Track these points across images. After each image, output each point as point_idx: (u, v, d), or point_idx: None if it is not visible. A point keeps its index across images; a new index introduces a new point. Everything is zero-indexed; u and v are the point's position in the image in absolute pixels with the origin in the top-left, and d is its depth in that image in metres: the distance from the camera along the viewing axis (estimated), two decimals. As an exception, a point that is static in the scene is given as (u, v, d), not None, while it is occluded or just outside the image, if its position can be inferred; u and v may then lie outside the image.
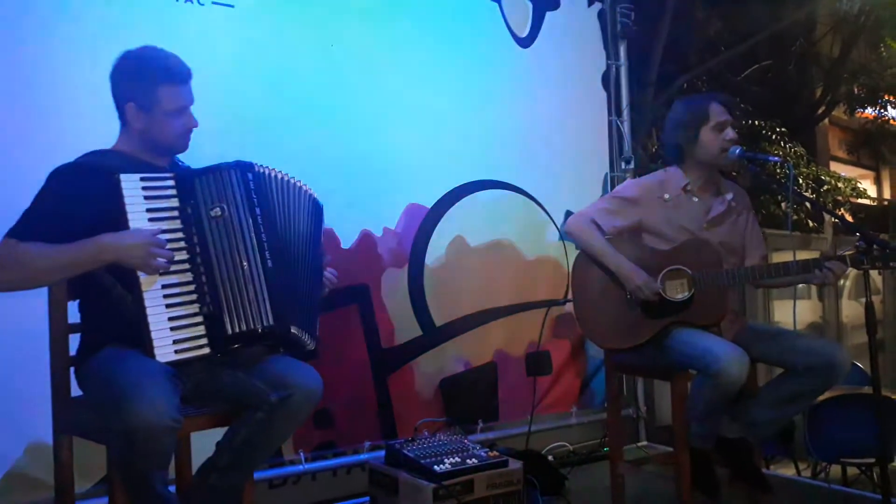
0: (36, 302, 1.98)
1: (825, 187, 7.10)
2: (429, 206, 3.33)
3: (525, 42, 3.71)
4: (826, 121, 9.96)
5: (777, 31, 6.57)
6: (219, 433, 1.91)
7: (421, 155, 3.28)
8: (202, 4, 2.77)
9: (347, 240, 3.06)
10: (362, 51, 3.14)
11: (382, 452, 2.81)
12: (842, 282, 7.65)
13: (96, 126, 2.05)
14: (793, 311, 2.61)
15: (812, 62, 8.49)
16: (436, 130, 3.34)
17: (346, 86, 3.09)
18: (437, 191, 3.36)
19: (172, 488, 1.95)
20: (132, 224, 1.78)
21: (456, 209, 3.39)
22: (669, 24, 5.38)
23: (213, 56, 2.70)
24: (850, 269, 2.26)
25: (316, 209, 2.10)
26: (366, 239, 3.13)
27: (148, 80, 1.92)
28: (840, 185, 7.39)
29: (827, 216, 7.12)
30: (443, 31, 3.41)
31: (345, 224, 3.00)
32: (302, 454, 2.88)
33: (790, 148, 6.68)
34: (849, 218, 8.02)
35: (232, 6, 2.84)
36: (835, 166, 10.40)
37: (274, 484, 2.89)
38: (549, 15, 3.78)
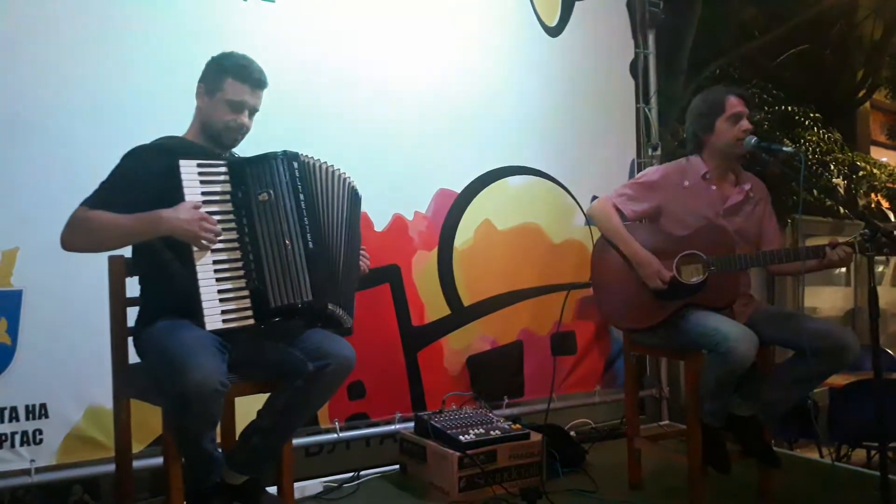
0: (95, 278, 2.19)
1: (860, 173, 7.01)
2: (458, 191, 3.45)
3: (554, 31, 3.79)
4: (867, 105, 9.77)
5: (815, 14, 6.49)
6: (260, 401, 2.07)
7: (451, 142, 3.40)
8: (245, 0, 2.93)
9: (380, 223, 3.21)
10: (394, 42, 3.26)
11: (412, 423, 2.98)
12: (881, 268, 7.58)
13: (173, 114, 2.25)
14: (801, 297, 2.68)
15: (853, 45, 8.33)
16: (466, 118, 3.45)
17: (378, 76, 3.20)
18: (466, 176, 3.47)
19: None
20: None
21: (484, 194, 3.51)
22: (702, 10, 5.36)
23: (254, 50, 2.85)
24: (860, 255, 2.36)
25: (355, 197, 2.23)
26: (397, 222, 3.27)
27: (222, 70, 2.13)
28: (876, 171, 7.27)
29: (861, 201, 7.07)
30: (474, 20, 3.51)
31: (378, 208, 3.14)
32: (337, 424, 3.06)
33: (824, 133, 6.60)
34: (885, 204, 7.93)
35: (273, 1, 2.99)
36: (877, 151, 10.20)
37: (311, 452, 3.09)
38: (577, 4, 3.86)
